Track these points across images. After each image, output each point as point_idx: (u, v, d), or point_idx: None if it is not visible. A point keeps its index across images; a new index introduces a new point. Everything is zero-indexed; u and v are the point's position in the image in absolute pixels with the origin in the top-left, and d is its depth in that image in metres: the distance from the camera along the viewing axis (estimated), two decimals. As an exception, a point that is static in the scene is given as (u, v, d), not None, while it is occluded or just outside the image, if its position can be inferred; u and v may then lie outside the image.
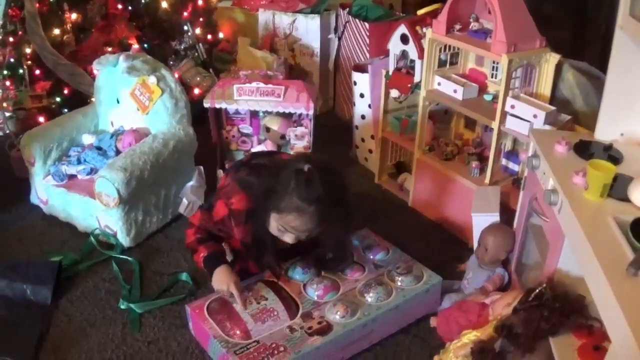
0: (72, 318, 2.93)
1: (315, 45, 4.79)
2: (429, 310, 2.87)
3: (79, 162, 3.57)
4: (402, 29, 3.62)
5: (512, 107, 3.05)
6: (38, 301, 2.99)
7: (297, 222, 2.55)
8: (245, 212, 2.70)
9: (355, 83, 4.11)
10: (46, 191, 3.57)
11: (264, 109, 3.73)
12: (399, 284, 2.82)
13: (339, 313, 2.63)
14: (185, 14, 4.72)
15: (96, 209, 3.34)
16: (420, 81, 3.51)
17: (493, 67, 3.38)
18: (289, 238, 2.64)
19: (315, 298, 2.74)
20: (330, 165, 2.68)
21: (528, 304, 2.27)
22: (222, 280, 2.75)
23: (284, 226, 2.58)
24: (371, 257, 3.01)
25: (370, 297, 2.73)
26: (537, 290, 2.27)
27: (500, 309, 2.46)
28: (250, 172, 2.79)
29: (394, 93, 3.71)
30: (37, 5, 4.15)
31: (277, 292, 2.76)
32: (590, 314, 2.21)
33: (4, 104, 4.36)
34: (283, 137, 3.79)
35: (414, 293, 2.78)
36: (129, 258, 3.29)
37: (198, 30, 4.83)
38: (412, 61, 3.65)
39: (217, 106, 3.78)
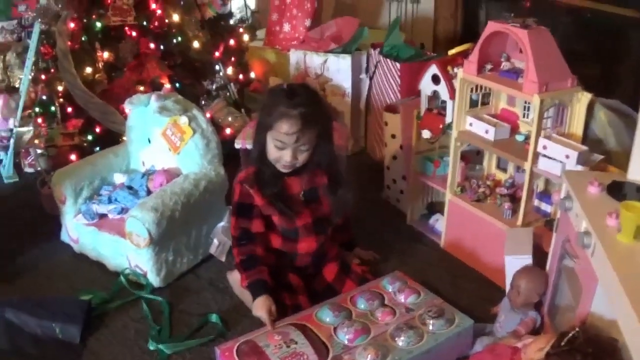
0: (100, 358, 2.91)
1: (347, 85, 4.80)
2: (461, 354, 2.82)
3: (109, 201, 3.58)
4: (433, 69, 3.62)
5: (544, 147, 3.02)
6: (67, 340, 2.97)
7: (286, 126, 2.84)
8: (253, 174, 3.03)
9: (386, 123, 4.10)
10: (77, 229, 3.58)
11: (295, 149, 3.72)
12: (431, 327, 2.78)
13: (369, 357, 2.59)
14: (217, 53, 4.74)
15: (127, 249, 3.34)
16: (451, 122, 3.49)
17: (525, 107, 3.35)
18: (287, 155, 2.91)
19: (346, 342, 2.69)
20: (306, 84, 3.29)
21: (560, 349, 2.23)
22: (257, 308, 2.89)
23: (278, 138, 2.88)
24: (402, 300, 2.97)
25: (401, 341, 2.69)
26: (570, 335, 2.23)
27: (533, 353, 2.41)
28: None
29: (426, 134, 3.69)
30: (69, 43, 4.20)
31: (307, 335, 2.72)
32: (624, 358, 2.17)
33: (36, 141, 4.42)
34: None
35: (445, 337, 2.74)
36: (159, 298, 3.27)
37: (230, 70, 4.85)
38: (444, 101, 3.63)
39: (249, 147, 3.78)
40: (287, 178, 3.06)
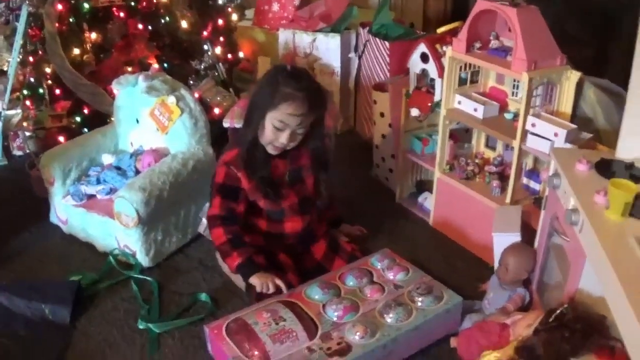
0: (90, 338, 2.91)
1: (336, 64, 4.79)
2: (450, 331, 2.83)
3: (98, 182, 3.57)
4: (422, 47, 3.61)
5: (533, 125, 3.02)
6: (57, 321, 2.97)
7: (291, 108, 2.83)
8: (240, 157, 2.99)
9: (375, 102, 4.10)
10: (66, 211, 3.58)
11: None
12: (419, 304, 2.79)
13: (358, 334, 2.60)
14: (205, 33, 4.72)
15: (115, 229, 3.33)
16: (440, 100, 3.48)
17: (514, 85, 3.35)
18: (284, 137, 2.90)
19: (335, 319, 2.70)
20: (305, 68, 3.30)
21: (549, 325, 2.24)
22: (262, 279, 2.87)
23: (280, 119, 2.85)
24: (391, 277, 2.98)
25: (390, 318, 2.70)
26: (559, 311, 2.24)
27: (521, 330, 2.43)
28: None
29: (415, 112, 3.69)
30: (57, 25, 4.17)
31: (296, 312, 2.73)
32: (612, 334, 2.18)
33: (24, 124, 4.40)
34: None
35: (434, 313, 2.75)
36: (148, 278, 3.27)
37: (218, 50, 4.83)
38: (433, 80, 3.63)
39: (237, 126, 3.78)
40: (273, 160, 3.05)
